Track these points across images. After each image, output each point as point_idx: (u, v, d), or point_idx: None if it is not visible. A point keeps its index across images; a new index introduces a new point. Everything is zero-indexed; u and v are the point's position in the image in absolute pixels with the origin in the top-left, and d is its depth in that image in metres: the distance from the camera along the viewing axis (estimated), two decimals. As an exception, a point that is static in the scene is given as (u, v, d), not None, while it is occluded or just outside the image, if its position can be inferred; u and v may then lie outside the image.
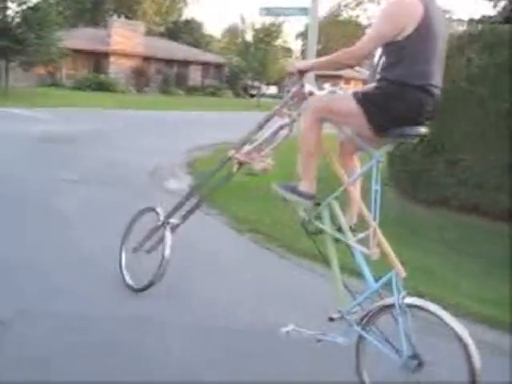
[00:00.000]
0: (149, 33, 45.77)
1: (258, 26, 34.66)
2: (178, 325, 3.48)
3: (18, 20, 23.98)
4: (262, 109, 26.94)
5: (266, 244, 5.42)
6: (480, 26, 8.56)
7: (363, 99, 2.81)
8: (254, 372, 3.02)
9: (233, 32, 49.20)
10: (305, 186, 2.97)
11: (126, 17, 43.64)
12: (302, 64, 3.09)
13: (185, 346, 3.23)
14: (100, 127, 14.72)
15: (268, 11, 10.53)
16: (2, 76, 25.30)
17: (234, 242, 5.55)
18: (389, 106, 2.72)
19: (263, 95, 43.78)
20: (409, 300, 2.59)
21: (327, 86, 3.20)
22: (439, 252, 5.70)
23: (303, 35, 75.26)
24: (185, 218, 3.72)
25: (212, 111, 26.00)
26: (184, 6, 54.43)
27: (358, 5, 45.94)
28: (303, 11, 9.23)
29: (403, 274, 2.69)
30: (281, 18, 34.10)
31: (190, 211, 3.69)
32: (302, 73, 3.04)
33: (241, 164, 3.33)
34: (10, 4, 24.20)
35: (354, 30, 43.21)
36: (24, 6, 24.27)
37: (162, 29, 51.51)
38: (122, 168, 8.96)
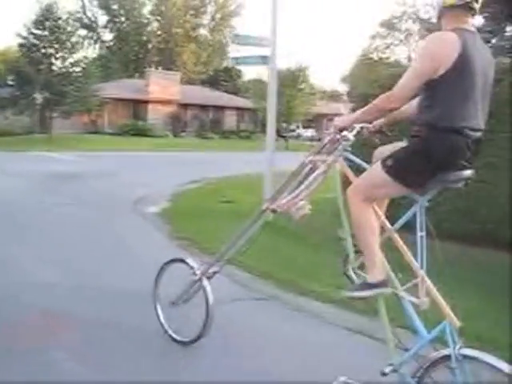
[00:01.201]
0: (190, 82, 48.74)
1: (283, 70, 36.72)
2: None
3: (59, 74, 26.87)
4: (288, 149, 28.90)
5: (187, 246, 6.87)
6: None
7: (393, 166, 2.70)
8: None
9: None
10: (374, 276, 2.80)
11: (168, 68, 46.81)
12: (342, 121, 2.97)
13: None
14: (116, 166, 16.70)
15: (237, 60, 11.97)
16: (46, 124, 28.15)
17: (162, 244, 7.07)
18: (422, 160, 2.61)
19: (298, 137, 45.47)
20: (466, 351, 2.47)
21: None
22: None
23: (348, 78, 77.04)
24: (221, 266, 3.80)
25: (233, 152, 27.55)
26: (224, 56, 57.36)
27: (387, 47, 47.52)
28: (264, 59, 10.38)
29: (457, 323, 2.58)
30: (304, 63, 36.24)
31: (225, 262, 3.83)
32: (342, 130, 2.96)
33: (274, 211, 3.30)
34: (53, 60, 27.14)
35: (386, 72, 44.45)
36: (66, 62, 27.23)
37: (203, 77, 54.44)
38: (112, 196, 10.64)
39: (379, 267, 2.80)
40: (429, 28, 13.32)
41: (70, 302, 4.60)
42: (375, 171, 2.79)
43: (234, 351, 3.79)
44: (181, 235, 7.37)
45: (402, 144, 2.83)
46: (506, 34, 12.05)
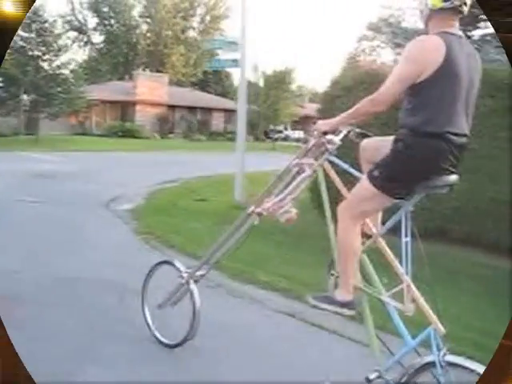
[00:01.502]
0: (179, 84, 49.06)
1: (269, 72, 37.34)
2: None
3: (46, 76, 27.15)
4: (275, 151, 29.33)
5: (149, 240, 7.24)
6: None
7: (379, 177, 2.68)
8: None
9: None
10: (341, 294, 2.84)
11: (157, 70, 47.17)
12: (326, 124, 2.94)
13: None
14: (99, 167, 17.00)
15: (211, 64, 12.33)
16: (33, 125, 28.45)
17: (125, 238, 7.45)
18: (406, 166, 2.61)
19: (286, 139, 45.87)
20: (450, 358, 2.46)
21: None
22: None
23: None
24: (208, 269, 3.80)
25: (219, 153, 27.77)
26: (213, 58, 57.61)
27: (373, 50, 48.03)
28: (235, 62, 10.88)
29: (442, 330, 2.57)
30: (291, 65, 36.76)
31: (212, 266, 3.83)
32: (326, 133, 2.96)
33: (260, 214, 3.24)
34: (40, 63, 27.43)
35: (348, 73, 45.13)
36: (53, 65, 27.55)
37: (193, 79, 54.70)
38: (89, 194, 11.01)
39: (349, 288, 2.83)
40: (395, 31, 13.69)
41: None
42: (363, 185, 2.77)
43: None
44: (146, 230, 7.75)
45: (388, 138, 2.78)
46: (472, 38, 12.51)
